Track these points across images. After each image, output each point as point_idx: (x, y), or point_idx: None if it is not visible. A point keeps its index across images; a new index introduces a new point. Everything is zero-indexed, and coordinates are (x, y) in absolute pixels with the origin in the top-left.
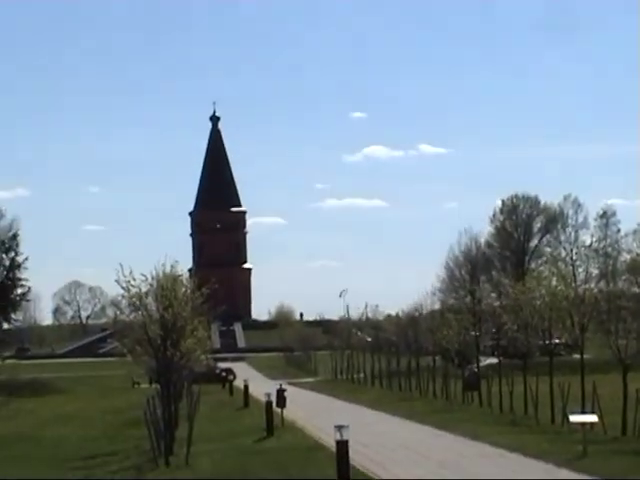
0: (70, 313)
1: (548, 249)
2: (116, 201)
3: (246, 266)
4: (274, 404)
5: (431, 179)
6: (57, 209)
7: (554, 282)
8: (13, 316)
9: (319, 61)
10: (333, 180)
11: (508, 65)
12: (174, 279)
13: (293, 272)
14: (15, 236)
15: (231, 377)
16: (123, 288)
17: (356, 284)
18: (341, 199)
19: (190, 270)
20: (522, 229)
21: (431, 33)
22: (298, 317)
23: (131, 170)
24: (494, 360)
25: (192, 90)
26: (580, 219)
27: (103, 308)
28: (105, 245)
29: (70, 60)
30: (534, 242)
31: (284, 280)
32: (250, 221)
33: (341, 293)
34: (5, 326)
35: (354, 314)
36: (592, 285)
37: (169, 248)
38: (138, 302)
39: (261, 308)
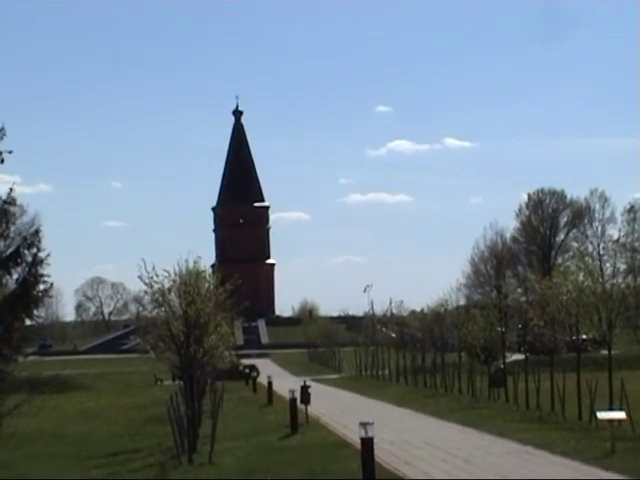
0: (92, 309)
1: (575, 244)
2: (138, 197)
3: (269, 262)
4: (298, 401)
5: (456, 173)
6: (79, 205)
7: (581, 277)
8: (35, 312)
9: (343, 54)
10: (357, 175)
11: (534, 56)
12: (197, 275)
13: (317, 268)
14: (37, 232)
15: (255, 374)
16: (146, 284)
17: (380, 280)
18: (365, 194)
19: (213, 266)
20: (548, 224)
21: (456, 25)
22: (321, 313)
23: (153, 165)
24: (520, 356)
25: (215, 84)
26: (607, 214)
27: (125, 304)
28: (128, 241)
29: (91, 53)
30: (560, 237)
31: (308, 276)
32: (273, 216)
33: (365, 289)
34: (27, 322)
35: (378, 310)
36: (619, 280)
37: (192, 244)
38: (161, 298)
39: (285, 304)
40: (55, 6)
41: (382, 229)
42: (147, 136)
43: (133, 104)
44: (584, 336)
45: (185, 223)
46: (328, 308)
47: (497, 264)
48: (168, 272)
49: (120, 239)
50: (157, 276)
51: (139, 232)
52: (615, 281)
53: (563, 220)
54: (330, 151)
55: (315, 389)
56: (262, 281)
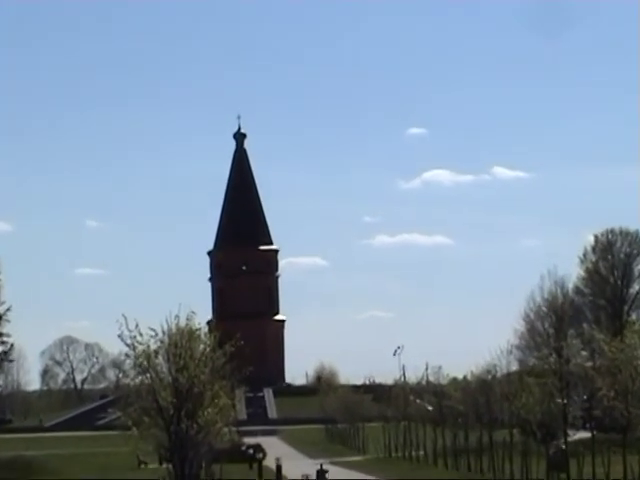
0: (62, 376)
1: None
2: (118, 238)
3: (278, 318)
4: None
5: (506, 209)
6: (46, 248)
7: None
8: None
9: (368, 68)
10: (385, 212)
11: (600, 75)
12: (190, 334)
13: (336, 325)
14: None
15: (260, 455)
16: (127, 345)
17: (414, 340)
18: (395, 235)
19: (209, 323)
20: (620, 272)
21: (500, 38)
22: (342, 380)
23: (137, 200)
24: (586, 434)
25: (212, 100)
26: None
27: (102, 370)
28: (105, 293)
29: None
30: (635, 288)
31: (325, 335)
32: (283, 262)
33: (395, 351)
34: None
35: (411, 377)
36: None
37: (183, 296)
38: (146, 363)
39: (297, 370)
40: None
41: (415, 278)
42: (128, 165)
43: (111, 125)
44: None
45: (175, 270)
46: (350, 375)
47: (557, 321)
48: (154, 331)
49: (96, 290)
50: (141, 335)
51: (119, 281)
52: None
53: (638, 268)
54: (352, 183)
55: (334, 474)
56: (269, 341)
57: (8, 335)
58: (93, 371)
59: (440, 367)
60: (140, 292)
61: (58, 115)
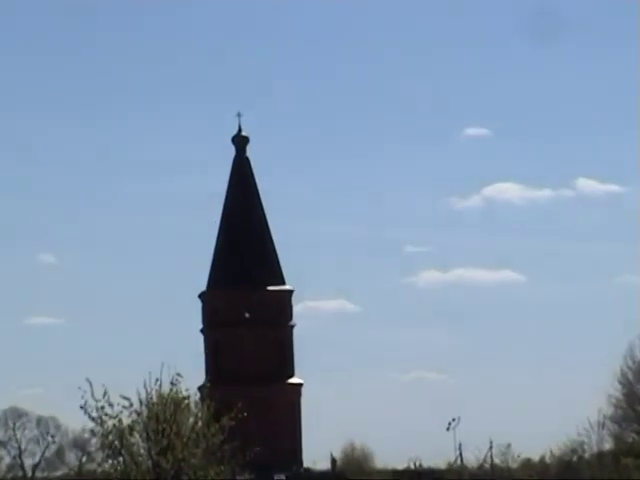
0: (6, 460)
1: None
2: (81, 278)
3: (294, 381)
4: None
5: (595, 235)
6: None
7: None
8: None
9: (407, 51)
10: (434, 239)
11: None
12: (176, 404)
13: (370, 390)
14: None
15: None
16: (93, 419)
17: (473, 410)
18: (447, 270)
19: (202, 389)
20: None
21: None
22: (378, 464)
23: (104, 227)
24: None
25: (205, 93)
26: None
27: (60, 452)
28: (64, 349)
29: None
30: None
31: (355, 404)
32: (299, 307)
33: (449, 425)
34: None
35: (471, 458)
36: None
37: (167, 353)
38: (118, 442)
39: (318, 450)
40: None
41: (474, 327)
42: (92, 182)
43: (69, 126)
44: None
45: (157, 319)
46: (389, 456)
47: None
48: (128, 400)
49: (52, 345)
50: (111, 406)
51: (82, 334)
52: None
53: None
54: (390, 202)
55: None
56: (282, 413)
57: None
58: (48, 454)
59: (509, 445)
60: (110, 348)
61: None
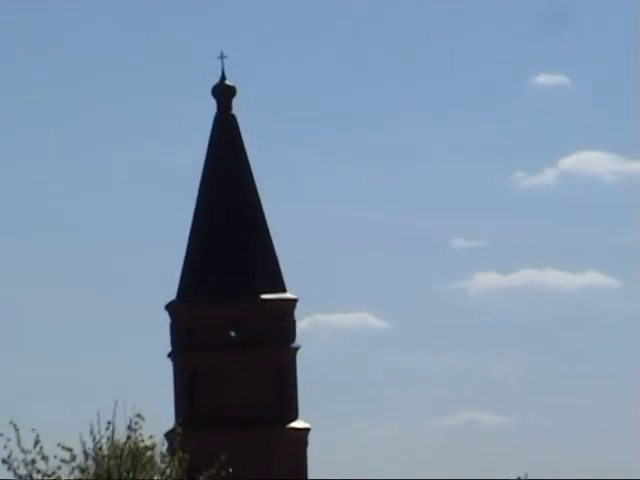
0: None
1: None
2: (11, 288)
3: (297, 425)
4: None
5: None
6: None
7: None
8: None
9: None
10: (492, 230)
11: None
12: (135, 457)
13: (401, 438)
14: None
15: None
16: (20, 478)
17: (544, 459)
18: (509, 272)
19: (170, 435)
20: None
21: None
22: None
23: (48, 219)
24: None
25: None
26: None
27: None
28: None
29: None
30: None
31: (380, 456)
32: (306, 322)
33: None
34: None
35: None
36: None
37: (123, 387)
38: None
39: None
40: None
41: (547, 348)
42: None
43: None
44: None
45: (108, 339)
46: None
47: None
48: (70, 451)
49: None
50: (45, 460)
51: (8, 362)
52: None
53: None
54: (429, 179)
55: None
56: (281, 468)
57: None
58: None
59: None
60: (45, 380)
61: None
